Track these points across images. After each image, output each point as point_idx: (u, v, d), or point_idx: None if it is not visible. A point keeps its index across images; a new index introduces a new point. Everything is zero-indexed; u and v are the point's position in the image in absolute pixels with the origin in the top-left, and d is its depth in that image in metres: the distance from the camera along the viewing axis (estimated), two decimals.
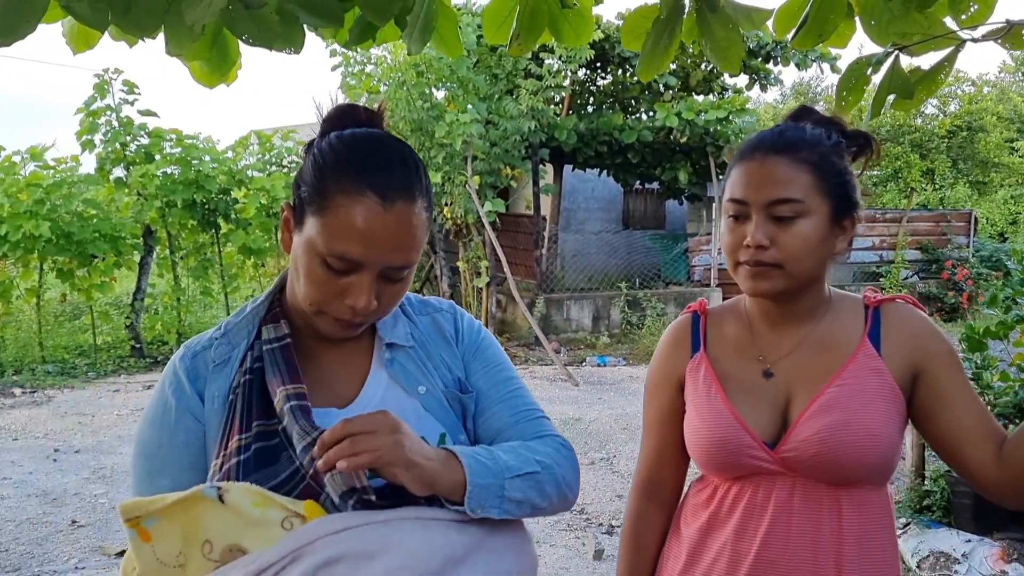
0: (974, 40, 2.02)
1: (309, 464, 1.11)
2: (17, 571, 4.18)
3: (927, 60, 2.08)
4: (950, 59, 2.04)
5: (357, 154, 1.14)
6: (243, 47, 1.93)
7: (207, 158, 10.31)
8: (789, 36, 2.09)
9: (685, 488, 1.54)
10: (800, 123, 1.38)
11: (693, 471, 1.49)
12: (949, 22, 2.04)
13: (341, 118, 1.21)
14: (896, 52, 2.02)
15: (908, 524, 4.37)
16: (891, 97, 2.06)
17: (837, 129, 1.38)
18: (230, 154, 10.88)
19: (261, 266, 11.46)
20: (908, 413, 1.36)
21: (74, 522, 4.83)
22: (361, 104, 1.24)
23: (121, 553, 4.39)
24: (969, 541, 4.15)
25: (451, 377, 1.30)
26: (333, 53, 10.94)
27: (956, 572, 3.94)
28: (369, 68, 11.07)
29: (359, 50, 10.97)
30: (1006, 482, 1.27)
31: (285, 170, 11.01)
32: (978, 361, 4.53)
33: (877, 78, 2.07)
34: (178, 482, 1.15)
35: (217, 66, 2.00)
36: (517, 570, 1.18)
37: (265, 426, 1.16)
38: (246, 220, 10.42)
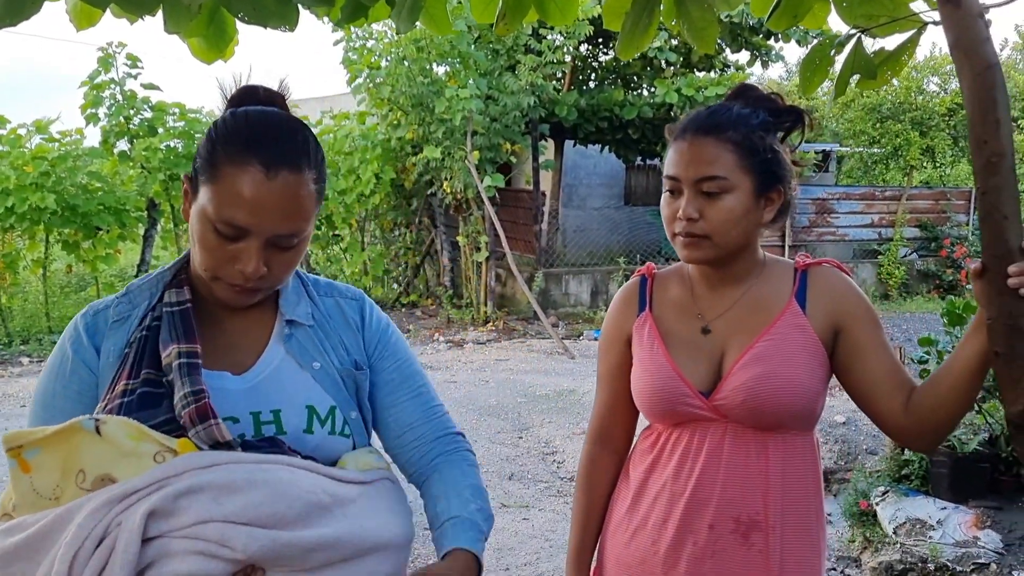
0: (935, 23, 2.12)
1: (180, 414, 1.16)
2: None
3: (891, 41, 2.18)
4: (913, 40, 2.14)
5: (247, 127, 1.21)
6: (240, 24, 2.03)
7: None
8: (766, 15, 2.19)
9: (635, 437, 1.67)
10: (734, 102, 1.51)
11: (642, 421, 1.62)
12: (916, 5, 2.13)
13: (241, 97, 1.29)
14: (858, 34, 2.12)
15: (887, 492, 4.50)
16: (855, 76, 2.17)
17: (769, 107, 1.50)
18: None
19: None
20: (831, 366, 1.49)
21: None
22: (262, 85, 1.31)
23: None
24: (944, 508, 4.28)
25: (348, 358, 1.37)
26: (335, 29, 10.98)
27: (930, 538, 4.08)
28: (370, 43, 11.12)
29: (360, 25, 10.99)
30: (912, 428, 1.42)
31: None
32: (958, 334, 4.64)
33: (841, 58, 2.17)
34: None
35: (215, 43, 2.09)
36: (383, 535, 1.21)
37: (153, 374, 1.21)
38: None
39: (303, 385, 1.30)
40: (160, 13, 1.85)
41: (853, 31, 2.13)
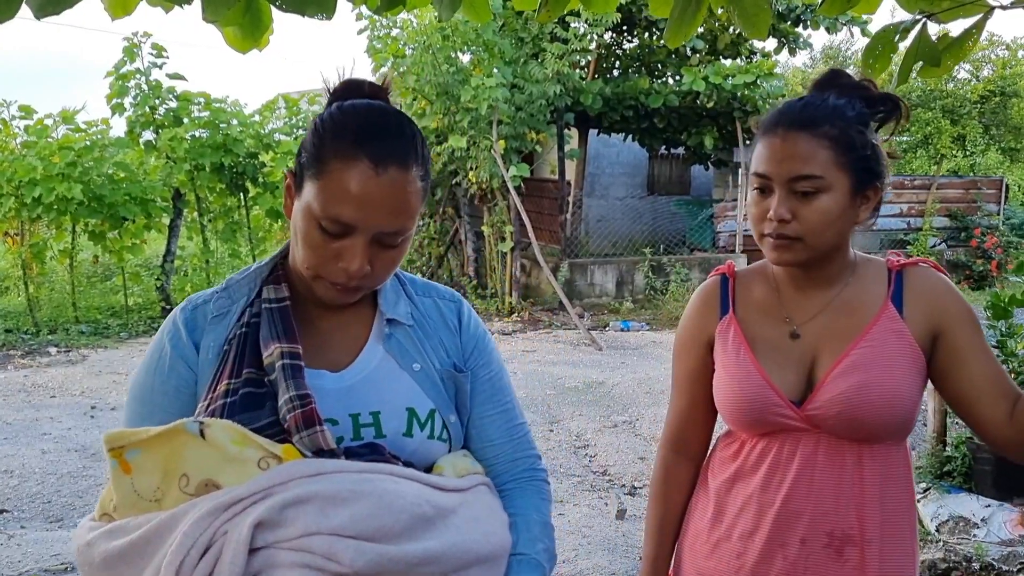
0: (1003, 7, 2.03)
1: (285, 419, 1.14)
2: (60, 522, 4.34)
3: (956, 27, 2.08)
4: (979, 26, 2.05)
5: (354, 122, 1.18)
6: (275, 12, 1.98)
7: (235, 122, 10.38)
8: (818, 1, 2.10)
9: (712, 443, 1.60)
10: (825, 92, 1.41)
11: (719, 426, 1.55)
12: None
13: (346, 91, 1.25)
14: (924, 19, 2.03)
15: (928, 489, 4.41)
16: (919, 64, 2.08)
17: (863, 95, 1.40)
18: (257, 118, 10.93)
19: (288, 229, 11.58)
20: (928, 372, 1.41)
21: None
22: (367, 79, 1.28)
23: None
24: (988, 506, 4.19)
25: (447, 359, 1.34)
26: (359, 16, 10.93)
27: (975, 536, 3.99)
28: (395, 32, 11.05)
29: (385, 14, 10.93)
30: (1017, 439, 1.33)
31: None
32: (1003, 329, 4.53)
33: (904, 45, 2.08)
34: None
35: (250, 32, 2.04)
36: (486, 546, 1.20)
37: (255, 374, 1.19)
38: (273, 183, 10.52)
39: (403, 386, 1.27)
40: (196, 1, 1.80)
41: (919, 16, 2.04)
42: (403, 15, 10.84)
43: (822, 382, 1.38)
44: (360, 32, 11.14)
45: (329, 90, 1.27)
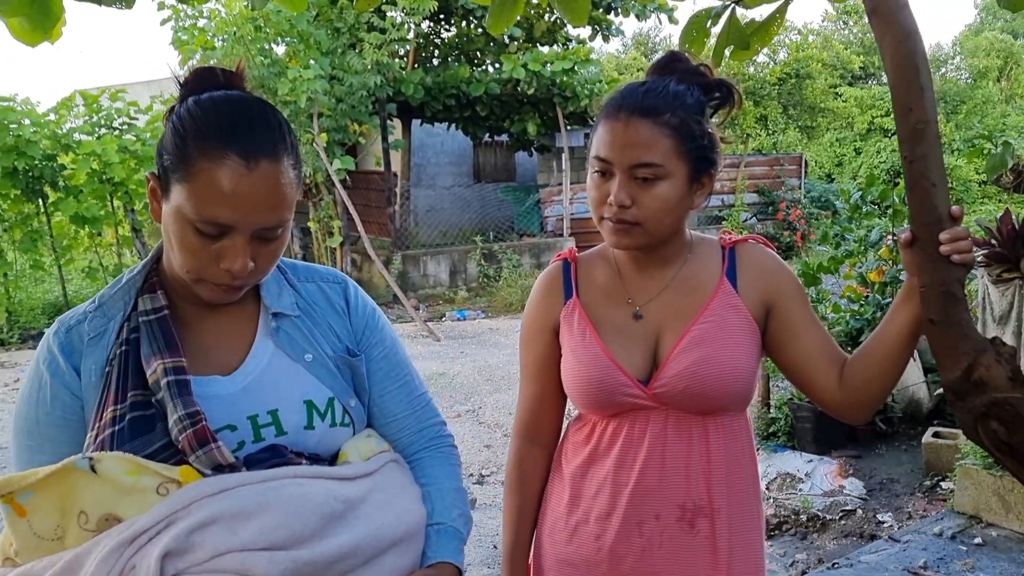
0: None
1: (178, 440, 1.10)
2: None
3: (761, 12, 2.18)
4: (781, 10, 2.15)
5: (217, 117, 1.13)
6: (67, 2, 1.81)
7: (27, 121, 9.55)
8: None
9: (564, 429, 1.60)
10: (665, 77, 1.42)
11: (570, 413, 1.55)
12: None
13: (199, 82, 1.19)
14: (732, 5, 2.12)
15: (757, 450, 4.67)
16: (730, 47, 2.16)
17: (700, 81, 1.42)
18: (53, 116, 10.11)
19: (97, 235, 10.79)
20: (762, 343, 1.46)
21: None
22: (218, 66, 1.22)
23: None
24: (811, 461, 4.50)
25: (340, 344, 1.31)
26: (161, 6, 10.32)
27: (800, 490, 4.26)
28: (202, 22, 10.52)
29: (190, 3, 10.40)
30: (847, 401, 1.41)
31: (116, 132, 10.36)
32: (813, 295, 4.86)
33: (716, 30, 2.16)
34: (58, 456, 1.12)
35: (39, 23, 1.86)
36: (399, 527, 1.20)
37: (141, 395, 1.14)
38: (77, 188, 9.77)
39: (298, 379, 1.24)
40: None
41: (728, 2, 2.12)
42: (210, 4, 10.33)
43: (666, 360, 1.40)
44: (164, 23, 10.53)
45: (179, 81, 1.20)
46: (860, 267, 5.09)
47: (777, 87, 15.63)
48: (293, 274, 1.35)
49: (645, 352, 1.43)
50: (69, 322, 1.23)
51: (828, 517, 3.98)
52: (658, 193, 1.36)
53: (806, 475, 4.39)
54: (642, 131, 1.34)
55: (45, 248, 10.15)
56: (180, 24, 10.51)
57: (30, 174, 9.58)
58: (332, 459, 1.25)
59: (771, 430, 4.86)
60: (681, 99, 1.37)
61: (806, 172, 16.10)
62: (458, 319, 10.13)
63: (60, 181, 9.78)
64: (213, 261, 1.14)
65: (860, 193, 5.09)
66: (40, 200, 9.98)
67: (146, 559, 1.01)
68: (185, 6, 10.31)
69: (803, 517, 3.99)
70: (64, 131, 9.95)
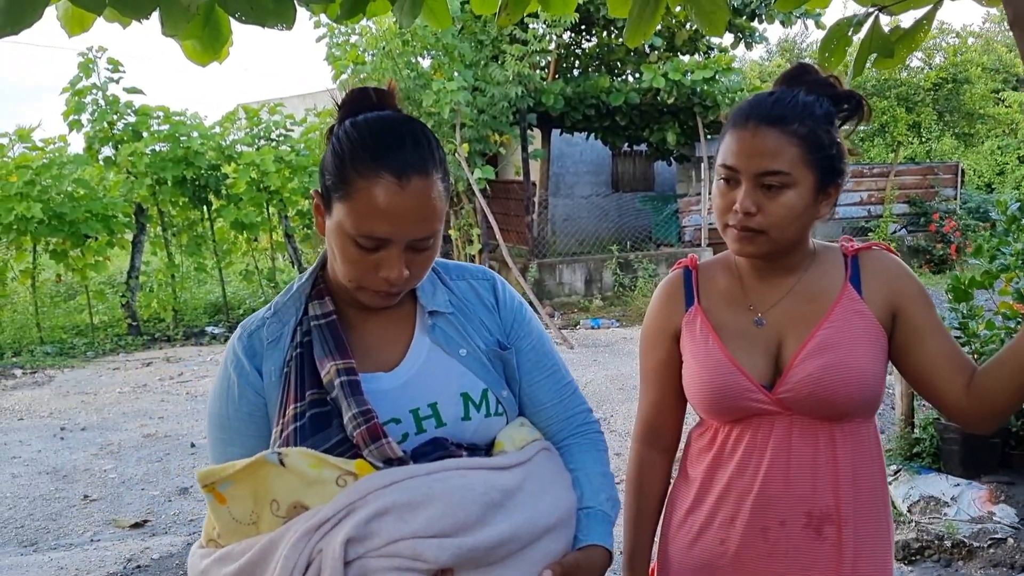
0: None
1: (352, 436, 1.22)
2: (34, 545, 4.28)
3: (907, 18, 2.14)
4: (929, 17, 2.10)
5: (371, 138, 1.23)
6: (234, 24, 1.97)
7: (195, 134, 10.28)
8: None
9: (686, 435, 1.63)
10: (794, 88, 1.43)
11: (691, 418, 1.58)
12: None
13: (355, 103, 1.30)
14: (876, 11, 2.08)
15: (899, 471, 4.49)
16: (873, 56, 2.13)
17: (830, 93, 1.43)
18: (218, 129, 10.83)
19: (254, 240, 11.48)
20: (889, 350, 1.45)
21: (86, 497, 4.93)
22: (371, 86, 1.33)
23: (135, 525, 4.50)
24: (958, 485, 4.27)
25: (491, 339, 1.40)
26: (317, 24, 10.87)
27: (945, 515, 4.07)
28: (354, 39, 11.01)
29: (345, 22, 10.89)
30: (974, 411, 1.39)
31: (274, 143, 10.99)
32: (964, 311, 4.62)
33: (859, 37, 2.13)
34: (247, 448, 1.28)
35: (210, 44, 2.03)
36: (553, 514, 1.29)
37: (317, 394, 1.27)
38: (237, 195, 10.43)
39: (454, 373, 1.34)
40: (155, 16, 1.79)
41: (871, 9, 2.09)
42: (362, 21, 10.80)
43: (790, 365, 1.41)
44: (319, 40, 11.09)
45: (337, 104, 1.31)
46: (1017, 282, 4.79)
47: (932, 93, 14.84)
48: (446, 273, 1.44)
49: (768, 357, 1.44)
50: (250, 328, 1.37)
51: (975, 544, 3.79)
52: (784, 201, 1.37)
53: (952, 499, 4.18)
54: (770, 139, 1.36)
55: (208, 252, 10.88)
56: (334, 41, 11.03)
57: (196, 183, 10.31)
58: (488, 447, 1.34)
59: (915, 450, 4.66)
60: (810, 109, 1.39)
61: (963, 182, 15.22)
62: (592, 327, 10.16)
63: (223, 189, 10.47)
64: (372, 271, 1.25)
65: (1019, 204, 4.81)
66: (205, 207, 10.72)
67: (331, 544, 1.14)
68: (340, 25, 10.82)
69: (947, 543, 3.81)
70: (228, 143, 10.64)
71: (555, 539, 1.29)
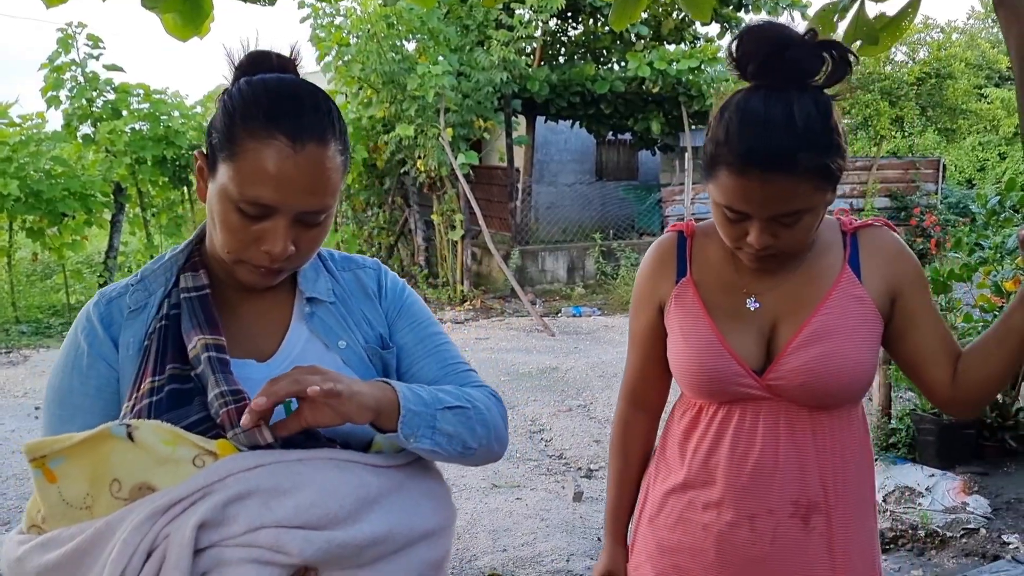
0: None
1: (217, 414, 1.10)
2: (7, 525, 4.24)
3: (892, 6, 2.13)
4: (914, 5, 2.10)
5: (266, 97, 1.12)
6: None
7: (176, 113, 10.18)
8: None
9: (669, 405, 1.59)
10: (784, 92, 1.25)
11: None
12: None
13: (252, 64, 1.18)
14: None
15: (876, 460, 4.52)
16: (858, 43, 2.12)
17: (817, 68, 1.26)
18: (199, 109, 10.73)
19: None
20: (883, 335, 1.41)
21: None
22: (273, 51, 1.21)
23: None
24: (932, 475, 4.32)
25: (372, 333, 1.30)
26: (301, 4, 10.78)
27: (920, 504, 4.11)
28: (338, 20, 10.92)
29: (329, 1, 10.81)
30: (960, 398, 1.37)
31: None
32: (943, 303, 4.66)
33: (843, 25, 2.13)
34: (88, 428, 1.08)
35: (191, 19, 2.00)
36: (432, 519, 1.19)
37: (179, 369, 1.14)
38: None
39: (331, 367, 1.19)
40: None
41: None
42: (346, 2, 10.72)
43: (783, 352, 1.36)
44: (303, 20, 10.99)
45: (233, 64, 1.19)
46: (995, 275, 4.83)
47: (915, 87, 14.90)
48: (332, 262, 1.34)
49: (760, 341, 1.39)
50: (110, 294, 1.23)
51: (948, 534, 3.83)
52: (802, 226, 1.29)
53: (927, 490, 4.22)
54: (781, 186, 1.24)
55: (187, 232, 10.78)
56: (318, 22, 10.94)
57: (176, 163, 10.21)
58: (365, 448, 1.21)
59: (891, 441, 4.69)
60: (811, 126, 1.24)
61: (944, 177, 15.32)
62: (573, 315, 10.17)
63: None
64: (253, 242, 1.13)
65: (998, 198, 4.84)
66: (185, 188, 10.61)
67: (181, 528, 1.00)
68: (324, 4, 10.73)
69: (921, 533, 3.85)
70: (208, 123, 10.53)
71: (432, 547, 1.17)
